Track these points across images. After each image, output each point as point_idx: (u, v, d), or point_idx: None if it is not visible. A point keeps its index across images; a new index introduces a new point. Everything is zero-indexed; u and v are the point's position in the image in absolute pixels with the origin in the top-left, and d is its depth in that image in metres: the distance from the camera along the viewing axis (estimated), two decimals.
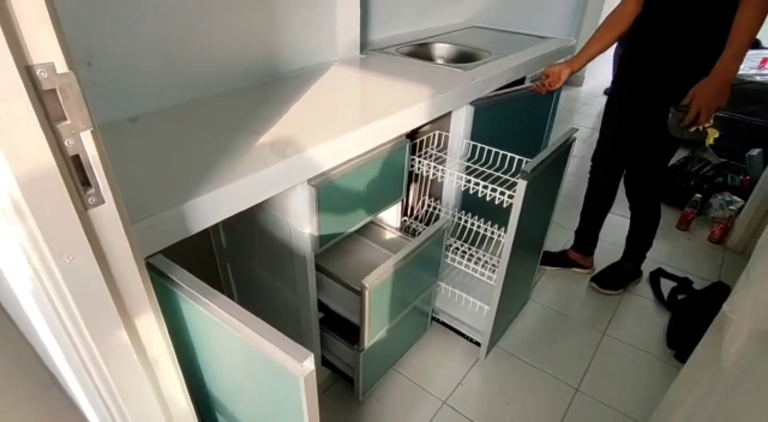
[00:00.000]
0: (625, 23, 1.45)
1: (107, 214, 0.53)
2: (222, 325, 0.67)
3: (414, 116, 1.16)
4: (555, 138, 1.31)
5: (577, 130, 1.28)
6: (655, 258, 1.98)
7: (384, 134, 1.10)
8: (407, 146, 1.21)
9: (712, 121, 1.24)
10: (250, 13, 1.20)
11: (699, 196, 2.13)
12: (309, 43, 1.39)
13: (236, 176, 0.81)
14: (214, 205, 0.78)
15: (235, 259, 1.38)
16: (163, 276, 0.72)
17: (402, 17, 1.94)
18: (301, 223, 1.03)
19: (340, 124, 1.04)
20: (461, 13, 2.31)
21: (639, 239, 1.75)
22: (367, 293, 1.02)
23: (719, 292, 1.59)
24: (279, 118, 1.05)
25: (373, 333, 1.15)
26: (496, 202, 1.22)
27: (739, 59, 1.19)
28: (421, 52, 1.80)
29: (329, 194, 1.02)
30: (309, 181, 0.97)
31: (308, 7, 1.34)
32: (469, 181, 1.27)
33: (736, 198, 2.12)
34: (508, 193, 1.20)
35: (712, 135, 1.27)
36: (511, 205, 1.17)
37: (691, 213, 2.14)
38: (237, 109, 1.11)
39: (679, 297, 1.74)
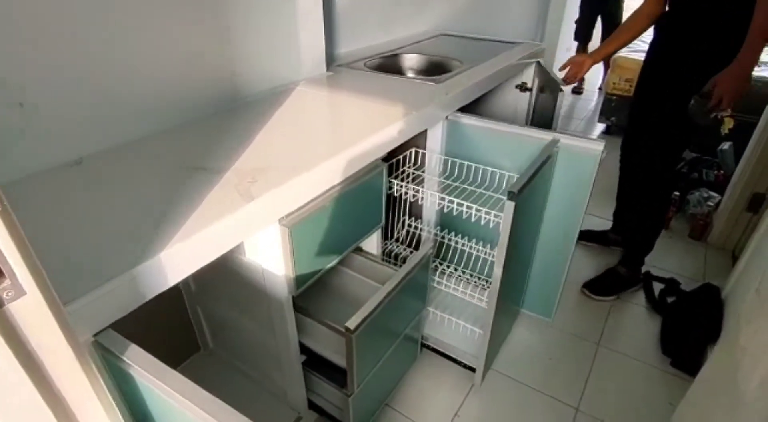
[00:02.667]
0: (643, 24, 1.56)
1: (30, 305, 0.43)
2: (179, 409, 0.58)
3: (389, 138, 1.08)
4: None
5: (558, 141, 1.22)
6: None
7: (359, 161, 1.01)
8: (384, 170, 1.13)
9: (730, 110, 1.27)
10: (202, 36, 1.10)
11: (677, 193, 2.12)
12: (270, 63, 1.30)
13: (196, 227, 0.71)
14: (171, 265, 0.68)
15: (205, 303, 1.27)
16: (115, 356, 0.61)
17: (368, 28, 1.87)
18: (275, 266, 0.93)
19: (310, 153, 0.95)
20: (427, 21, 2.25)
21: (639, 241, 1.71)
22: (352, 337, 0.93)
23: (708, 294, 1.57)
24: (242, 151, 0.95)
25: (362, 376, 1.06)
26: (482, 222, 1.15)
27: (758, 49, 1.23)
28: (390, 64, 1.72)
29: (304, 232, 0.93)
30: (280, 220, 0.88)
31: (267, 25, 1.24)
32: (452, 202, 1.20)
33: (713, 193, 2.12)
34: (493, 212, 1.13)
35: (728, 124, 1.33)
36: (497, 223, 1.11)
37: (671, 210, 2.13)
38: (195, 142, 1.00)
39: (668, 299, 1.71)
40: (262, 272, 0.97)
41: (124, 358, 0.60)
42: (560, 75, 1.76)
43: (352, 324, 0.93)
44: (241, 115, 1.14)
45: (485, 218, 1.14)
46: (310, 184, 0.91)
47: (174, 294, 1.29)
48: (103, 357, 0.64)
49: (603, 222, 2.12)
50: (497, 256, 1.09)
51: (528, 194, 1.09)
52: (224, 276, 1.09)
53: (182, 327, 1.36)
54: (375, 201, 1.15)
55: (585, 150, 1.21)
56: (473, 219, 1.16)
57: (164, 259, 0.66)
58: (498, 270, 1.10)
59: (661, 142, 1.52)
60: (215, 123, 1.10)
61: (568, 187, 1.28)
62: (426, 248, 1.16)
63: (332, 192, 0.99)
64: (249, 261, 0.99)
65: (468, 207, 1.15)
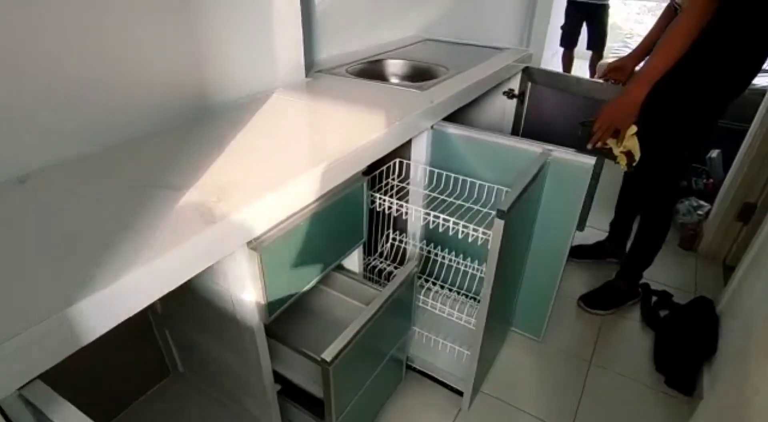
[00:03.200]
0: (671, 17, 1.44)
1: None
2: None
3: (370, 150, 1.01)
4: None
5: (549, 153, 1.16)
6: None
7: (337, 175, 0.94)
8: (365, 184, 1.05)
9: (620, 144, 1.21)
10: (166, 39, 1.01)
11: None
12: (244, 68, 1.21)
13: (149, 256, 0.63)
14: (115, 302, 0.59)
15: (173, 326, 1.18)
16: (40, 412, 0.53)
17: (350, 33, 1.80)
18: (244, 292, 0.85)
19: (283, 167, 0.87)
20: (411, 26, 2.19)
21: (638, 254, 1.65)
22: (329, 369, 0.85)
23: (702, 308, 1.52)
24: (208, 165, 0.87)
25: (341, 408, 0.98)
26: (469, 239, 1.08)
27: (645, 87, 1.21)
28: (373, 70, 1.65)
29: (276, 254, 0.85)
30: (249, 243, 0.80)
31: (240, 28, 1.16)
32: (437, 217, 1.13)
33: (702, 202, 2.09)
34: (481, 230, 1.06)
35: (621, 160, 1.23)
36: (485, 240, 1.04)
37: None
38: (155, 155, 0.91)
39: (661, 313, 1.66)
40: (231, 298, 0.89)
41: (53, 419, 0.51)
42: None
43: (329, 355, 0.85)
44: (210, 125, 1.06)
45: (473, 235, 1.07)
46: (283, 202, 0.83)
47: (140, 315, 1.19)
48: (32, 412, 0.55)
49: (599, 233, 2.07)
50: (486, 277, 1.02)
51: (518, 211, 1.02)
52: (191, 299, 1.00)
53: (151, 350, 1.27)
54: (356, 217, 1.08)
55: (576, 163, 1.14)
56: (460, 236, 1.09)
57: (107, 296, 0.58)
58: (487, 292, 1.03)
59: (665, 153, 1.45)
60: (180, 134, 1.01)
61: (558, 201, 1.22)
62: (410, 267, 1.09)
63: (308, 209, 0.91)
64: (216, 287, 0.90)
65: (455, 223, 1.08)
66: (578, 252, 1.99)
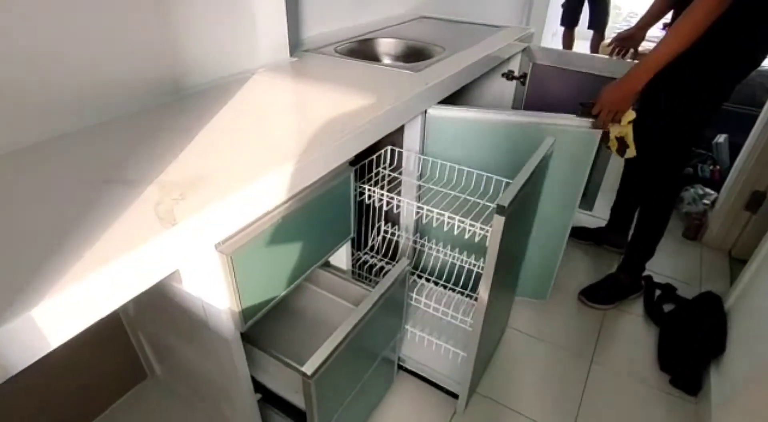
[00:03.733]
0: None
1: None
2: None
3: (357, 139, 0.91)
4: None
5: (554, 139, 1.07)
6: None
7: (321, 166, 0.84)
8: (351, 175, 0.96)
9: (617, 128, 1.21)
10: (132, 13, 0.90)
11: None
12: (220, 47, 1.10)
13: (93, 262, 0.54)
14: (51, 322, 0.50)
15: (147, 328, 1.10)
16: None
17: (340, 9, 1.68)
18: (216, 299, 0.76)
19: (259, 158, 0.77)
20: (406, 3, 2.06)
21: (640, 245, 1.58)
22: (311, 383, 0.77)
23: (709, 304, 1.45)
24: (174, 156, 0.77)
25: (327, 418, 0.91)
26: (466, 236, 0.99)
27: (649, 74, 1.19)
28: (364, 49, 1.54)
29: (250, 257, 0.76)
30: (217, 246, 0.71)
31: (218, 3, 1.05)
32: (431, 211, 1.04)
33: (708, 190, 2.01)
34: (479, 225, 0.97)
35: (613, 145, 1.23)
36: (484, 237, 0.96)
37: None
38: (116, 144, 0.81)
39: (665, 308, 1.59)
40: (203, 305, 0.80)
41: None
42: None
43: (310, 367, 0.77)
44: (182, 110, 0.96)
45: (470, 231, 0.99)
46: (257, 198, 0.73)
47: (114, 316, 1.11)
48: None
49: (599, 222, 2.00)
50: (484, 277, 0.94)
51: (520, 203, 0.93)
52: (162, 301, 0.91)
53: (126, 352, 1.19)
54: (342, 211, 0.98)
55: (582, 131, 1.06)
56: (456, 232, 1.00)
57: (39, 316, 0.49)
58: (484, 295, 0.95)
59: (669, 138, 1.39)
60: (146, 120, 0.91)
61: (564, 170, 1.15)
62: (401, 266, 1.00)
63: (287, 204, 0.82)
64: (187, 292, 0.81)
65: (449, 217, 0.99)
66: (579, 233, 1.94)
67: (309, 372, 0.76)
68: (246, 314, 0.80)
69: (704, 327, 1.34)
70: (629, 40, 1.63)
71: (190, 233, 0.63)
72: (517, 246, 1.18)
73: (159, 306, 0.95)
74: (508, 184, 0.98)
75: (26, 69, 0.77)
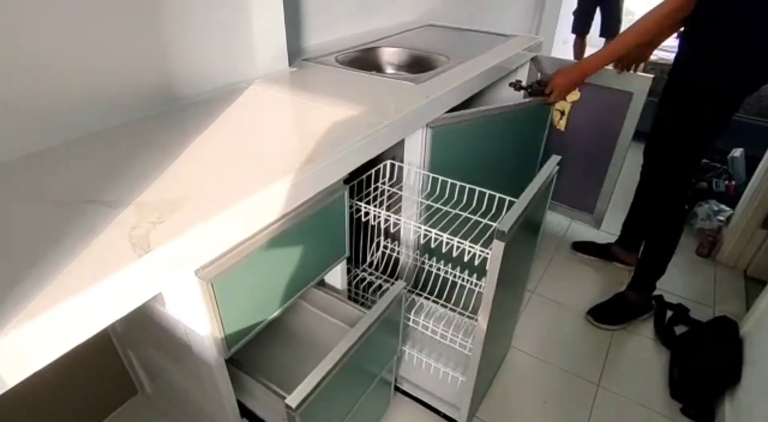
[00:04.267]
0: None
1: None
2: None
3: (351, 156, 0.87)
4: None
5: (560, 157, 1.02)
6: None
7: (312, 185, 0.80)
8: (346, 194, 0.92)
9: (563, 104, 1.56)
10: (122, 20, 0.87)
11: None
12: (216, 57, 1.07)
13: (60, 292, 0.50)
14: (10, 356, 0.47)
15: (135, 347, 1.07)
16: None
17: (345, 16, 1.64)
18: (197, 326, 0.73)
19: (246, 177, 0.74)
20: (413, 10, 2.03)
21: (650, 262, 1.52)
22: (295, 416, 0.73)
23: (724, 329, 1.38)
24: (157, 174, 0.74)
25: None
26: (465, 258, 0.95)
27: (605, 61, 1.38)
28: (366, 59, 1.50)
29: (233, 282, 0.72)
30: (197, 272, 0.67)
31: (209, 9, 1.02)
32: (429, 231, 1.00)
33: (723, 206, 1.94)
34: (478, 247, 0.93)
35: (556, 116, 1.62)
36: (484, 258, 0.91)
37: None
38: (98, 161, 0.78)
39: (677, 329, 1.53)
40: (185, 330, 0.76)
41: None
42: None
43: (295, 399, 0.73)
44: (171, 123, 0.92)
45: (470, 252, 0.94)
46: (242, 220, 0.69)
47: (103, 332, 1.08)
48: None
49: (609, 237, 1.94)
50: (483, 303, 0.89)
51: (522, 225, 0.89)
52: (148, 322, 0.88)
53: (117, 368, 1.16)
54: (336, 230, 0.94)
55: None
56: (455, 253, 0.95)
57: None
58: (483, 321, 0.90)
59: (677, 149, 1.35)
60: (134, 134, 0.88)
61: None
62: (398, 288, 0.96)
63: (275, 226, 0.78)
64: (170, 315, 0.78)
65: (449, 238, 0.95)
66: (587, 248, 1.90)
67: (293, 405, 0.72)
68: (230, 341, 0.77)
69: (718, 354, 1.28)
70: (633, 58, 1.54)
71: (165, 260, 0.60)
72: (520, 267, 1.13)
73: (145, 326, 0.92)
74: (511, 202, 0.93)
75: (7, 80, 0.75)
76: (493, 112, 1.30)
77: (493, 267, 0.83)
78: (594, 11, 3.58)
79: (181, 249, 0.61)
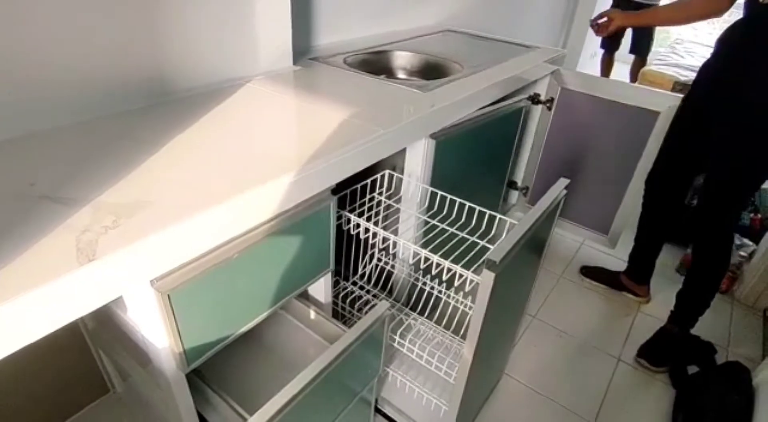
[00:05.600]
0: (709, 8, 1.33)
1: None
2: None
3: (340, 166, 0.81)
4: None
5: (568, 181, 0.95)
6: (651, 311, 1.68)
7: (292, 196, 0.75)
8: (332, 205, 0.86)
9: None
10: (115, 6, 0.83)
11: None
12: (214, 51, 1.03)
13: None
14: None
15: (105, 345, 1.03)
16: None
17: (360, 17, 1.59)
18: (155, 336, 0.68)
19: (219, 182, 0.68)
20: (434, 14, 1.96)
21: (694, 295, 1.44)
22: None
23: (734, 376, 1.28)
24: (126, 172, 0.69)
25: None
26: (456, 283, 0.88)
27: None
28: (375, 62, 1.45)
29: (194, 295, 0.67)
30: (153, 282, 0.62)
31: (212, 1, 0.97)
32: (419, 251, 0.93)
33: (746, 240, 1.83)
34: (470, 273, 0.86)
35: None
36: (477, 284, 0.84)
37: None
38: (66, 155, 0.73)
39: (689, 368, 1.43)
40: (143, 338, 0.71)
41: None
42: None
43: None
44: (157, 118, 0.88)
45: (460, 277, 0.87)
46: (207, 229, 0.64)
47: (75, 327, 1.04)
48: None
49: (621, 265, 1.85)
50: (469, 334, 0.82)
51: (521, 251, 0.82)
52: (113, 326, 0.83)
53: (88, 365, 1.12)
54: (319, 243, 0.89)
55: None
56: (445, 277, 0.89)
57: None
58: (468, 354, 0.83)
59: (732, 185, 1.28)
60: (117, 126, 0.83)
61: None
62: (381, 309, 0.89)
63: (249, 236, 0.72)
64: (130, 321, 0.73)
65: (439, 261, 0.88)
66: (596, 274, 1.82)
67: None
68: (190, 355, 0.71)
69: (728, 405, 1.19)
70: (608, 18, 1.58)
71: (113, 269, 0.55)
72: (517, 293, 1.06)
73: (112, 328, 0.88)
74: (509, 229, 0.86)
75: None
76: (489, 114, 1.25)
77: (482, 298, 0.76)
78: (625, 27, 3.47)
79: (133, 257, 0.56)
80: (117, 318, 0.77)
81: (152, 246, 0.58)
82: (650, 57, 3.50)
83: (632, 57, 3.56)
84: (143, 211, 0.61)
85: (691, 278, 1.44)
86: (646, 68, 3.20)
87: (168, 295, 0.62)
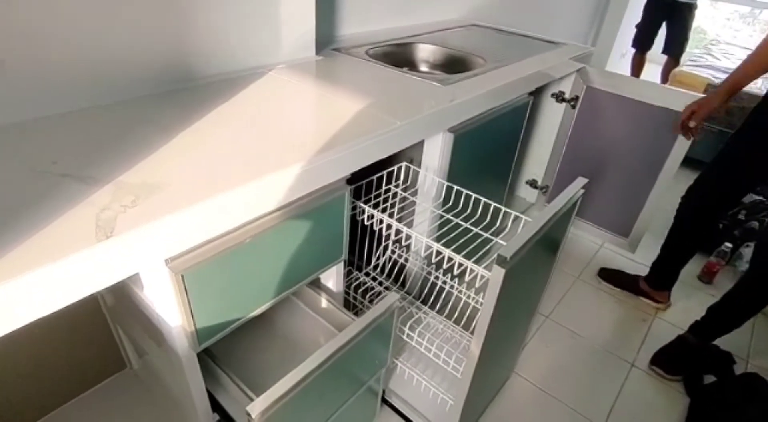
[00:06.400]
0: None
1: None
2: None
3: (355, 156, 0.82)
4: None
5: (587, 181, 0.93)
6: (668, 318, 1.65)
7: (307, 182, 0.75)
8: (347, 195, 0.87)
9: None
10: None
11: (729, 244, 1.78)
12: (239, 38, 1.04)
13: (9, 270, 0.48)
14: None
15: (123, 322, 1.06)
16: None
17: (385, 9, 1.59)
18: (168, 316, 0.70)
19: (236, 167, 0.70)
20: (460, 7, 1.94)
21: (729, 315, 1.36)
22: None
23: (754, 389, 1.25)
24: (146, 154, 0.71)
25: None
26: (467, 278, 0.88)
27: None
28: (398, 54, 1.44)
29: (207, 276, 0.68)
30: (168, 261, 0.64)
31: None
32: (432, 244, 0.93)
33: None
34: (480, 269, 0.86)
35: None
36: (487, 280, 0.84)
37: (718, 263, 1.79)
38: (90, 135, 0.75)
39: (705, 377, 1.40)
40: (158, 316, 0.74)
41: None
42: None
43: (255, 408, 0.68)
44: (180, 102, 0.90)
45: (471, 272, 0.87)
46: (225, 212, 0.65)
47: (95, 303, 1.08)
48: None
49: (641, 268, 1.81)
50: (477, 330, 0.82)
51: (533, 249, 0.81)
52: (130, 302, 0.86)
53: (107, 341, 1.16)
54: (333, 232, 0.89)
55: None
56: (456, 271, 0.88)
57: None
58: (476, 349, 0.83)
59: None
60: (140, 109, 0.85)
61: None
62: (391, 300, 0.90)
63: (263, 221, 0.74)
64: (146, 299, 0.75)
65: (450, 255, 0.88)
66: (615, 278, 1.77)
67: (254, 413, 0.68)
68: (202, 335, 0.73)
69: (742, 417, 1.15)
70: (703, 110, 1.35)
71: (129, 247, 0.56)
72: (528, 292, 1.05)
73: (129, 305, 0.90)
74: (524, 224, 0.86)
75: (6, 40, 0.73)
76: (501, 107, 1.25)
77: (492, 293, 0.76)
78: (659, 26, 3.37)
79: (149, 236, 0.58)
80: (134, 295, 0.79)
81: (168, 227, 0.59)
82: (683, 58, 3.39)
83: (665, 57, 3.45)
84: (161, 192, 0.62)
85: (733, 298, 1.34)
86: (677, 69, 3.11)
87: (182, 275, 0.64)
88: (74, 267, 0.52)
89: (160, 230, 0.59)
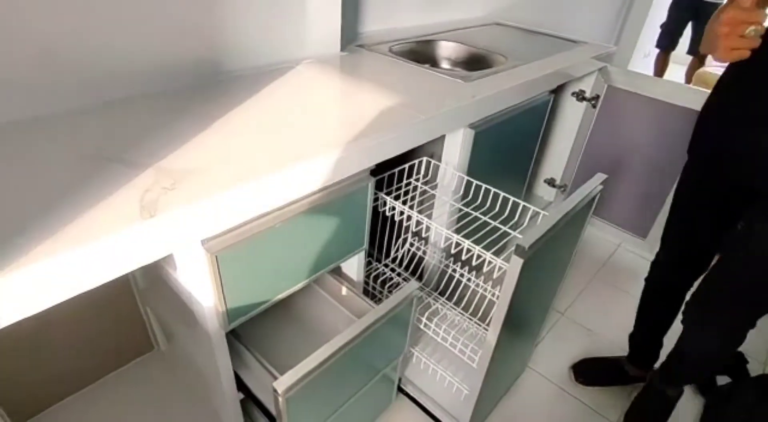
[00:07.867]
0: None
1: None
2: None
3: (381, 147, 0.85)
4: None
5: (606, 176, 0.95)
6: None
7: (333, 172, 0.79)
8: (370, 185, 0.90)
9: None
10: None
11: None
12: (267, 34, 1.08)
13: (60, 243, 0.52)
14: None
15: (152, 303, 1.11)
16: None
17: (409, 6, 1.61)
18: (201, 295, 0.74)
19: (267, 155, 0.73)
20: (483, 6, 1.96)
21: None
22: (281, 401, 0.73)
23: (764, 390, 1.24)
24: (182, 142, 0.75)
25: None
26: (485, 269, 0.90)
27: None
28: (421, 51, 1.47)
29: (239, 258, 0.72)
30: (204, 242, 0.67)
31: None
32: (451, 236, 0.96)
33: None
34: (499, 260, 0.88)
35: None
36: (504, 272, 0.86)
37: None
38: (131, 122, 0.80)
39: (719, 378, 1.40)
40: (190, 296, 0.78)
41: None
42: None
43: (283, 383, 0.72)
44: (213, 94, 0.94)
45: (490, 263, 0.89)
46: (257, 197, 0.69)
47: (126, 285, 1.13)
48: None
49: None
50: (494, 319, 0.84)
51: (549, 242, 0.83)
52: (162, 284, 0.90)
53: (135, 322, 1.21)
54: (355, 221, 0.93)
55: None
56: (474, 262, 0.91)
57: None
58: (492, 338, 0.86)
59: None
60: (175, 100, 0.90)
61: None
62: (410, 288, 0.93)
63: (291, 208, 0.77)
64: (178, 279, 0.79)
65: (470, 246, 0.91)
66: (587, 373, 1.38)
67: (281, 389, 0.71)
68: (231, 315, 0.77)
69: (755, 417, 1.15)
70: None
71: (170, 226, 0.60)
72: (544, 286, 1.07)
73: (160, 286, 0.95)
74: (544, 216, 0.88)
75: (56, 30, 0.78)
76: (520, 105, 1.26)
77: (509, 283, 0.78)
78: (684, 26, 3.33)
79: (187, 217, 0.62)
80: (167, 276, 0.84)
81: (205, 209, 0.63)
82: (708, 58, 3.34)
83: (689, 58, 3.41)
84: (198, 176, 0.66)
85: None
86: (702, 69, 3.07)
87: (216, 256, 0.68)
88: (121, 243, 0.56)
89: (198, 212, 0.62)
